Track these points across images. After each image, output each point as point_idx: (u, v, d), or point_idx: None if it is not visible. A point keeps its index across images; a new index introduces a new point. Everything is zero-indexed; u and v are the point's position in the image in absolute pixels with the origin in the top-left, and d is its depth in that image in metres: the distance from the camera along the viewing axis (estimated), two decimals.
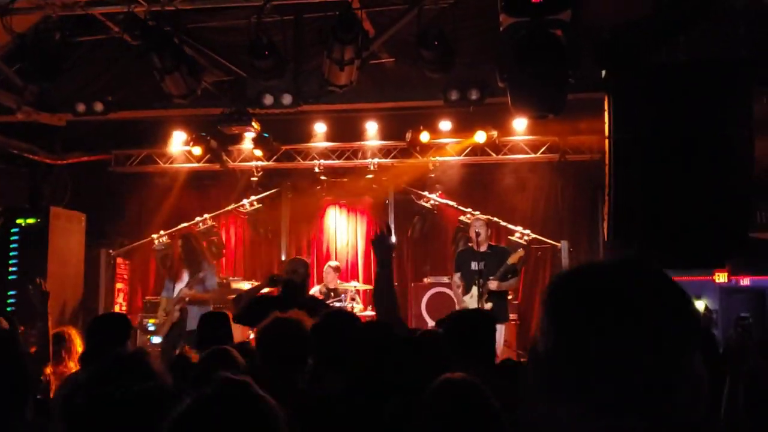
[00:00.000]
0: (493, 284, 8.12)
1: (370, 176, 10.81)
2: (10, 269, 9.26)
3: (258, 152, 10.62)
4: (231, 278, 10.49)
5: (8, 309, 8.69)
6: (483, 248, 8.35)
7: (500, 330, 8.12)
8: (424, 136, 10.06)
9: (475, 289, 8.15)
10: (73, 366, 5.13)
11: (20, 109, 8.54)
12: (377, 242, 4.19)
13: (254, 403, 1.43)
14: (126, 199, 11.14)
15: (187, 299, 8.08)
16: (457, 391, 2.34)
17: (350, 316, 4.14)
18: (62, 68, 7.30)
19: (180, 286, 8.25)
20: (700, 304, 9.66)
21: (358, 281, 10.60)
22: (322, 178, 10.88)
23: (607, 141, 8.12)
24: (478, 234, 8.29)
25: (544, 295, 1.15)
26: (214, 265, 8.58)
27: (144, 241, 10.70)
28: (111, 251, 10.88)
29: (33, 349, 5.21)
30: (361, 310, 9.53)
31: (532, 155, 10.45)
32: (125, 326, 4.50)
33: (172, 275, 8.56)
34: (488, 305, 8.05)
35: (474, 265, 8.23)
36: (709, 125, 6.71)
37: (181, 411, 1.40)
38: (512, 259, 8.29)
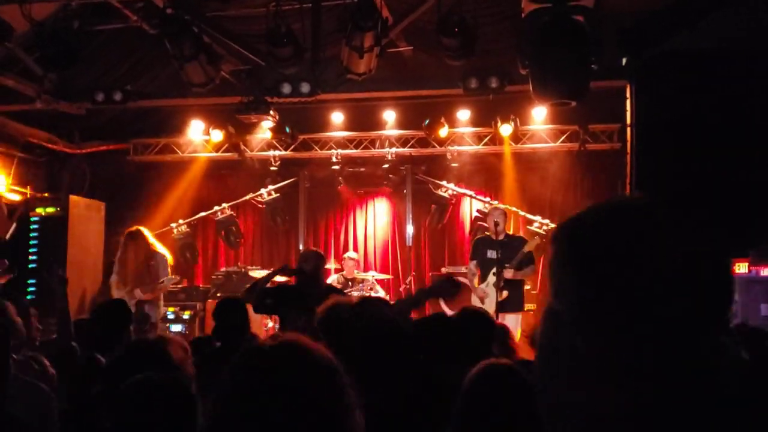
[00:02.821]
0: (508, 273, 8.09)
1: (387, 165, 10.76)
2: (30, 258, 9.31)
3: (276, 142, 10.61)
4: (248, 267, 10.50)
5: (28, 297, 8.75)
6: (500, 237, 8.32)
7: (516, 319, 8.10)
8: (443, 131, 9.98)
9: (491, 278, 8.14)
10: None
11: (39, 98, 8.57)
12: (447, 284, 4.20)
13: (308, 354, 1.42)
14: (145, 188, 11.16)
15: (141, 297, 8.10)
16: (500, 375, 2.32)
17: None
18: (81, 57, 7.30)
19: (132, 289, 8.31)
20: None
21: (375, 271, 10.58)
22: (340, 167, 10.85)
23: (628, 129, 8.04)
24: (496, 224, 8.24)
25: (559, 243, 1.00)
26: (165, 256, 8.65)
27: (163, 230, 10.73)
28: None
29: (53, 336, 5.24)
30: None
31: (552, 144, 10.35)
32: (125, 312, 4.63)
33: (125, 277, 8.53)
34: (504, 293, 8.03)
35: (491, 254, 8.23)
36: (732, 113, 6.61)
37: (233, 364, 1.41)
38: (529, 247, 8.26)
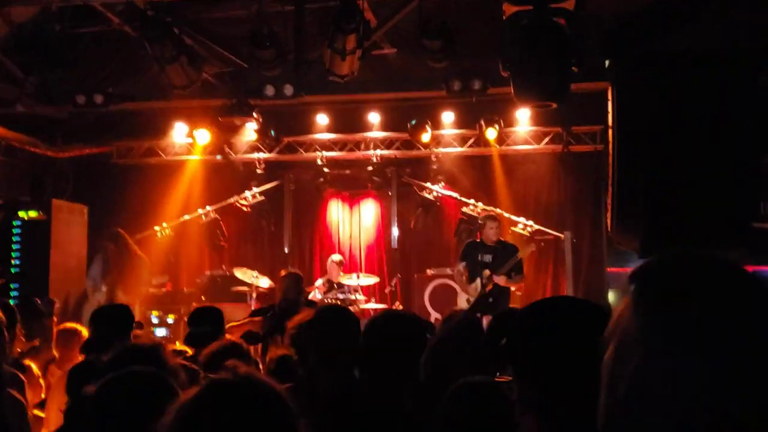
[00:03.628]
0: (500, 279, 8.20)
1: (372, 168, 10.76)
2: (13, 262, 9.24)
3: (260, 144, 10.59)
4: (235, 268, 10.47)
5: (11, 302, 8.68)
6: (492, 242, 8.47)
7: None
8: (426, 136, 9.99)
9: (479, 280, 8.19)
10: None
11: (20, 101, 8.51)
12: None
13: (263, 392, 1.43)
14: (128, 191, 11.10)
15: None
16: (477, 393, 2.31)
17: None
18: (62, 60, 7.27)
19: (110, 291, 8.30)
20: None
21: (360, 273, 10.57)
22: (325, 170, 10.84)
23: (610, 131, 8.07)
24: (493, 231, 8.48)
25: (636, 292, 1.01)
26: (145, 259, 8.67)
27: (146, 233, 10.67)
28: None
29: (36, 343, 5.21)
30: (364, 302, 9.52)
31: (535, 146, 10.39)
32: (128, 317, 4.53)
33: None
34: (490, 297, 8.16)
35: (482, 257, 8.37)
36: (713, 115, 6.65)
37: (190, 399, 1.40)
38: (523, 254, 8.50)
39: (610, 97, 6.85)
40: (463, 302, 8.50)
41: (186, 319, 9.16)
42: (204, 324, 4.90)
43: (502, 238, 8.80)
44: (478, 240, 8.73)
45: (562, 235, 10.11)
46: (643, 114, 6.70)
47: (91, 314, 4.63)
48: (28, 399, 3.63)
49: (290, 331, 3.53)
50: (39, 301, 5.38)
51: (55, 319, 5.46)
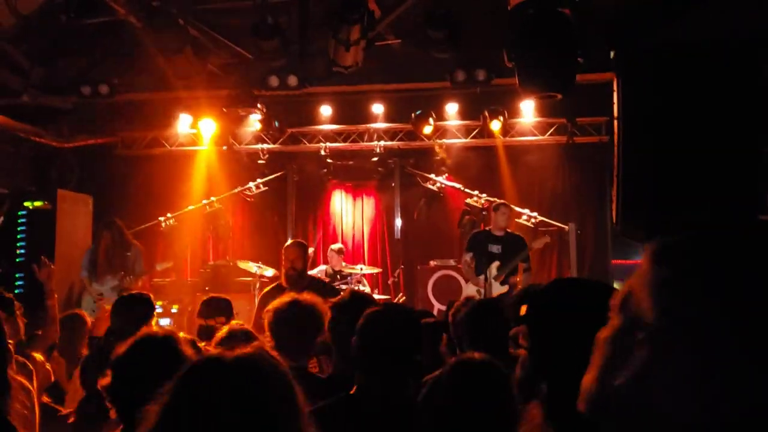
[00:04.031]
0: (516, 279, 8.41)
1: (375, 159, 10.77)
2: (18, 251, 9.27)
3: (264, 135, 10.59)
4: (239, 261, 10.49)
5: (16, 291, 8.72)
6: (500, 233, 8.58)
7: None
8: (428, 129, 9.99)
9: (493, 271, 8.38)
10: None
11: (26, 92, 8.52)
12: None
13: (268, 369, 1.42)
14: (133, 181, 11.12)
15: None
16: (475, 369, 2.32)
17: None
18: (68, 50, 7.28)
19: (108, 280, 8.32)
20: None
21: (364, 264, 10.59)
22: (328, 161, 10.85)
23: (615, 122, 8.06)
24: (504, 217, 8.65)
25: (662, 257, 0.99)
26: (140, 248, 8.75)
27: (151, 223, 10.70)
28: None
29: (39, 332, 5.23)
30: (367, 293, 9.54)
31: (540, 137, 10.38)
32: (149, 306, 4.58)
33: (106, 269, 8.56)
34: (504, 287, 8.34)
35: (490, 248, 8.49)
36: (718, 106, 6.64)
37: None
38: (538, 245, 8.70)
39: (615, 88, 6.85)
40: (471, 291, 8.52)
41: (190, 309, 9.27)
42: (218, 317, 4.95)
43: (509, 230, 8.85)
44: (485, 230, 8.77)
45: (566, 227, 10.11)
46: (648, 105, 6.70)
47: (113, 304, 4.68)
48: (35, 387, 3.66)
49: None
50: (36, 268, 5.39)
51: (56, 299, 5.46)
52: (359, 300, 3.44)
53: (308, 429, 1.41)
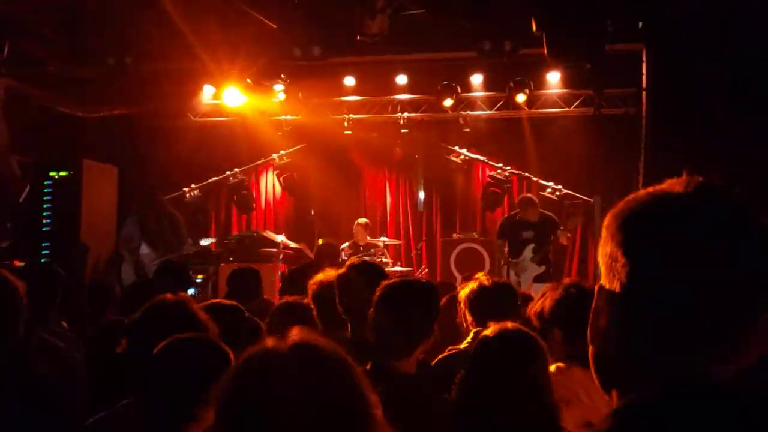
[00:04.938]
0: (563, 237, 8.69)
1: (405, 131, 10.70)
2: (44, 221, 9.37)
3: (287, 106, 10.57)
4: (262, 231, 10.54)
5: (42, 261, 8.82)
6: (533, 219, 8.80)
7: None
8: (448, 102, 9.93)
9: (528, 253, 8.68)
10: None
11: (52, 62, 8.55)
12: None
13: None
14: (157, 152, 11.16)
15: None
16: (510, 338, 2.32)
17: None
18: (93, 21, 7.27)
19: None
20: None
21: (386, 236, 10.59)
22: (350, 132, 10.80)
23: (644, 93, 7.95)
24: (533, 212, 8.84)
25: (614, 225, 1.06)
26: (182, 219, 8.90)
27: (175, 194, 10.76)
28: None
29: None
30: (389, 264, 9.55)
31: (566, 109, 10.25)
32: (186, 273, 4.72)
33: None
34: (541, 268, 8.66)
35: (524, 234, 8.76)
36: (746, 75, 6.53)
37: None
38: (572, 225, 8.89)
39: (644, 59, 6.76)
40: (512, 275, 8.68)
41: (215, 279, 9.35)
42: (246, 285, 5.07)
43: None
44: (515, 216, 8.94)
45: (591, 200, 10.01)
46: (677, 76, 6.60)
47: (154, 272, 4.86)
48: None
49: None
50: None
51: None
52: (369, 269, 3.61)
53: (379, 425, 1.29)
